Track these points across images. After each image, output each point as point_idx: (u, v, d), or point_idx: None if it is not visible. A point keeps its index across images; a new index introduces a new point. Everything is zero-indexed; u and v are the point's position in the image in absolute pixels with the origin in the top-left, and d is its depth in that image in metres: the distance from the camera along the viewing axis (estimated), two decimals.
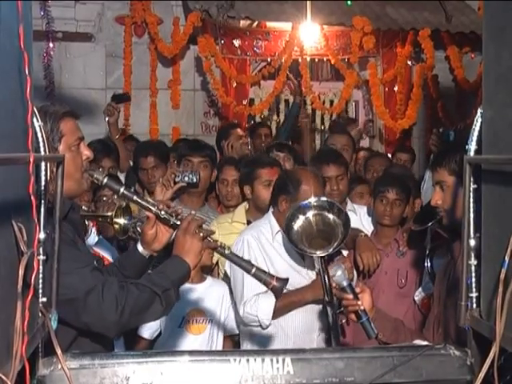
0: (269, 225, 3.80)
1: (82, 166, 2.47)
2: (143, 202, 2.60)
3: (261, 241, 3.74)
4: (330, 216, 3.47)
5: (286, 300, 3.62)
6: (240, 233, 3.88)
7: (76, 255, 2.28)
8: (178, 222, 2.56)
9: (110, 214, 3.64)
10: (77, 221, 2.61)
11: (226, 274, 3.89)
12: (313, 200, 3.49)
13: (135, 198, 2.60)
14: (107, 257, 3.93)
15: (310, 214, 3.46)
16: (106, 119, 5.94)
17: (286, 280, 2.58)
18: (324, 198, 3.55)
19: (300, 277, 3.72)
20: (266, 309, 3.60)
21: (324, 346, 3.64)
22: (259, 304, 3.58)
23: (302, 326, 3.71)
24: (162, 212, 2.57)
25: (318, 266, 3.56)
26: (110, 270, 2.70)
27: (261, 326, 3.63)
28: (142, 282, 2.40)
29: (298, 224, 3.45)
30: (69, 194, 2.36)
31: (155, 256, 2.72)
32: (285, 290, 3.59)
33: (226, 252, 2.55)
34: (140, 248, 2.66)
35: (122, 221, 3.59)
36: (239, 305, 3.63)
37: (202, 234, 2.50)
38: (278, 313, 3.62)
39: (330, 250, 3.44)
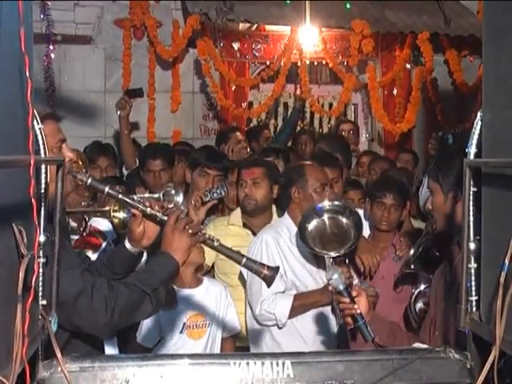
0: (286, 228, 3.88)
1: (65, 168, 2.45)
2: (129, 200, 2.59)
3: (279, 242, 3.82)
4: (344, 219, 3.56)
5: (303, 300, 3.70)
6: (260, 232, 3.97)
7: (65, 257, 2.27)
8: (165, 218, 2.54)
9: (107, 208, 3.62)
10: (63, 222, 2.61)
11: (241, 274, 3.93)
12: (327, 203, 3.59)
13: (120, 196, 2.58)
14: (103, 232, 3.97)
15: (325, 217, 3.56)
16: (118, 113, 5.95)
17: (277, 268, 2.58)
18: (338, 202, 3.66)
19: (314, 280, 3.78)
20: (283, 307, 3.68)
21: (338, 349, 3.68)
22: (277, 303, 3.66)
23: (318, 329, 3.73)
24: (148, 209, 2.56)
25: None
26: (98, 267, 2.69)
27: (277, 324, 3.68)
28: (131, 282, 2.40)
29: (312, 225, 3.53)
30: (53, 196, 2.35)
31: (144, 251, 2.72)
32: (295, 291, 3.67)
33: (215, 244, 2.54)
34: (128, 245, 2.65)
35: (121, 215, 3.57)
36: (256, 303, 3.70)
37: (190, 231, 2.49)
38: (294, 312, 3.71)
39: (342, 250, 3.50)
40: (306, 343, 3.71)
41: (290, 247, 3.83)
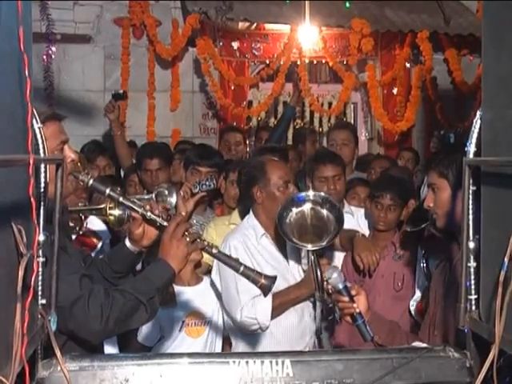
0: (252, 229, 3.75)
1: (67, 169, 2.44)
2: (129, 203, 2.58)
3: (247, 244, 3.70)
4: (324, 211, 3.48)
5: (282, 298, 3.61)
6: (224, 238, 3.83)
7: (66, 261, 2.26)
8: (165, 224, 2.53)
9: (103, 206, 3.62)
10: (65, 223, 2.60)
11: (212, 282, 3.82)
12: (311, 193, 3.51)
13: (121, 199, 2.57)
14: (98, 233, 3.96)
15: (304, 207, 3.48)
16: (108, 117, 5.97)
17: (274, 278, 2.57)
18: (320, 193, 3.58)
19: (285, 280, 3.68)
20: (264, 310, 3.57)
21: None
22: (257, 306, 3.55)
23: (293, 331, 3.68)
24: (149, 213, 2.55)
25: (305, 260, 3.56)
26: (99, 265, 2.70)
27: (260, 328, 3.61)
28: (127, 290, 2.40)
29: (290, 216, 3.46)
30: (53, 195, 2.35)
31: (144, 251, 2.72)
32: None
33: (214, 251, 2.53)
34: (128, 244, 2.65)
35: (116, 212, 3.57)
36: (236, 311, 3.58)
37: (188, 239, 2.48)
38: (275, 312, 3.60)
39: (323, 243, 3.43)
40: (279, 343, 3.65)
41: (258, 249, 3.71)
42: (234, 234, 3.81)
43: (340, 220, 3.50)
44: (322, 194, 3.61)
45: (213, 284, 3.82)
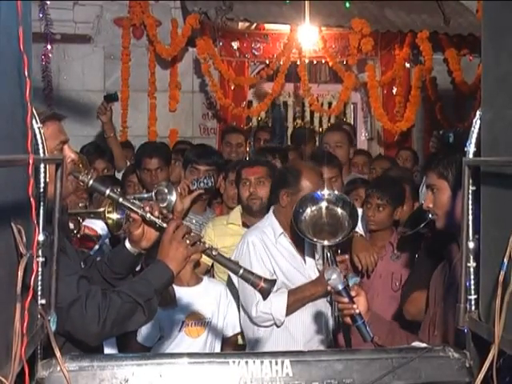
0: (271, 227, 3.79)
1: (67, 169, 2.43)
2: (129, 204, 2.57)
3: (265, 242, 3.74)
4: (338, 209, 3.50)
5: (298, 295, 3.64)
6: (243, 235, 3.87)
7: (64, 262, 2.25)
8: (165, 225, 2.53)
9: (102, 209, 3.62)
10: (65, 223, 2.59)
11: (229, 278, 3.86)
12: (326, 192, 3.53)
13: (121, 200, 2.57)
14: (98, 231, 3.99)
15: (320, 206, 3.50)
16: (100, 119, 5.98)
17: (274, 281, 2.58)
18: (335, 192, 3.60)
19: (303, 277, 3.72)
20: (279, 305, 3.61)
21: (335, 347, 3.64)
22: (272, 302, 3.57)
23: (309, 328, 3.70)
24: (148, 215, 2.55)
25: (320, 261, 3.55)
26: (99, 266, 2.69)
27: (275, 324, 3.63)
28: (125, 291, 2.39)
29: (306, 213, 3.48)
30: (52, 195, 2.34)
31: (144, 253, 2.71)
32: (286, 290, 3.65)
33: (214, 253, 2.53)
34: (128, 245, 2.64)
35: (115, 216, 3.56)
36: (251, 306, 3.62)
37: (188, 241, 2.47)
38: (290, 308, 3.63)
39: (338, 239, 3.45)
40: (295, 341, 3.66)
41: (277, 247, 3.75)
42: (253, 231, 3.85)
43: (354, 216, 3.53)
44: (336, 192, 3.63)
45: (230, 281, 3.86)
